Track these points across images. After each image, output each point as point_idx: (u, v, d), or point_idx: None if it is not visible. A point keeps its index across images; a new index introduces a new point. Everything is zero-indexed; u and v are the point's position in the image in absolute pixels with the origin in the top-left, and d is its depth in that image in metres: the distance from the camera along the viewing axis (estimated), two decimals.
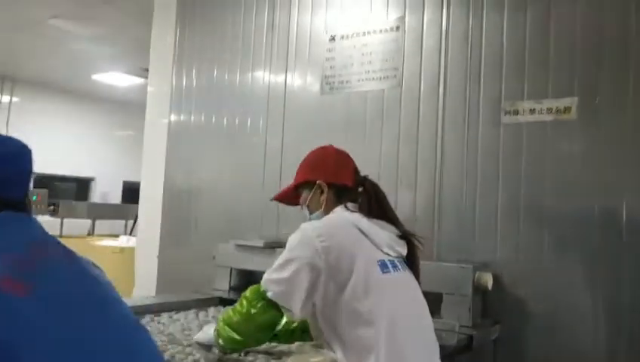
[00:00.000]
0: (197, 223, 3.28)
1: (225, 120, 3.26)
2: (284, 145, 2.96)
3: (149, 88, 3.82)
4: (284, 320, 1.70)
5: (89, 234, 8.50)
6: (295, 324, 1.77)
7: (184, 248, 3.30)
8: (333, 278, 1.45)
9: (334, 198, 1.69)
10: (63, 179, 9.87)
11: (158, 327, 2.12)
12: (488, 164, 2.40)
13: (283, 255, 1.53)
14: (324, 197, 1.69)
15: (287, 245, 1.54)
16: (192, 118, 3.41)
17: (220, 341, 1.62)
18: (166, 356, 1.71)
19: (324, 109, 2.84)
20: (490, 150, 2.39)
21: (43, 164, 9.59)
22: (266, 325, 1.57)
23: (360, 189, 1.69)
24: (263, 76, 3.13)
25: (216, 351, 1.66)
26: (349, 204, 1.66)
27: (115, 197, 9.79)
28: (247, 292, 1.59)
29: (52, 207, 8.34)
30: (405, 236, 1.66)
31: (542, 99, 2.28)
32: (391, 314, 1.44)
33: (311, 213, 1.73)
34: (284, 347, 1.77)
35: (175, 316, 2.33)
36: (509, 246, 2.32)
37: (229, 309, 1.63)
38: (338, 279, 1.44)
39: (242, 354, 1.72)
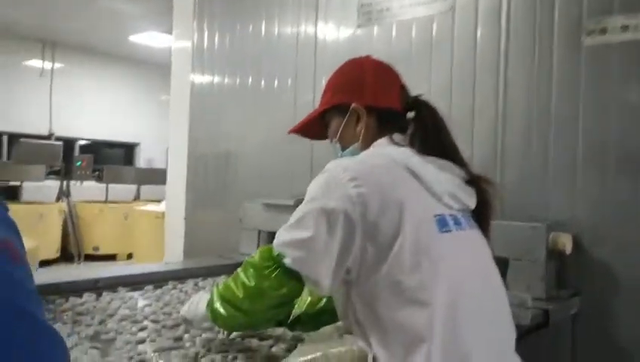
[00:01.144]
0: (224, 185, 3.02)
1: (250, 78, 3.01)
2: (316, 100, 2.59)
3: (173, 47, 3.56)
4: (306, 294, 1.34)
5: (135, 200, 8.47)
6: (322, 303, 1.39)
7: (211, 211, 3.07)
8: (370, 239, 1.03)
9: (375, 128, 1.26)
10: (109, 145, 9.85)
11: (179, 296, 1.89)
12: (565, 100, 1.93)
13: (302, 206, 1.11)
14: (361, 125, 1.26)
15: (308, 192, 1.11)
16: (216, 77, 3.20)
17: (219, 322, 1.26)
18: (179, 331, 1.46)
19: (360, 47, 2.42)
20: (567, 82, 1.92)
21: (88, 130, 9.69)
22: (282, 301, 1.19)
23: (411, 115, 1.25)
24: (290, 27, 2.80)
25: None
26: (396, 136, 1.22)
27: (160, 163, 9.70)
28: (256, 257, 1.19)
29: (97, 173, 8.32)
30: (475, 181, 1.21)
31: (638, 12, 1.79)
32: (451, 290, 1.02)
33: (343, 149, 1.30)
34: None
35: (201, 283, 2.14)
36: (592, 201, 1.86)
37: (228, 281, 1.25)
38: (378, 241, 1.03)
39: (244, 338, 1.39)
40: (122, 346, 1.34)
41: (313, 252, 1.06)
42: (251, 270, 1.19)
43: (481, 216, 1.20)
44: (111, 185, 8.19)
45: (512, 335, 1.11)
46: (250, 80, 3.01)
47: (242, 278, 1.20)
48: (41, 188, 7.41)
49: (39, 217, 6.89)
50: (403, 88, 1.30)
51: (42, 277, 1.96)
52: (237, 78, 3.08)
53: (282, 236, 1.14)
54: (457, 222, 1.11)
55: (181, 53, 3.46)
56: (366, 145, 1.24)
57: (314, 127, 1.37)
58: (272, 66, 2.90)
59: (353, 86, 1.28)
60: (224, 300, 1.23)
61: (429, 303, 1.00)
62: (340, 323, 1.20)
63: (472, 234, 1.15)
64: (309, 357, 1.05)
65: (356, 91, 1.26)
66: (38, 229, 6.68)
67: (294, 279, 1.13)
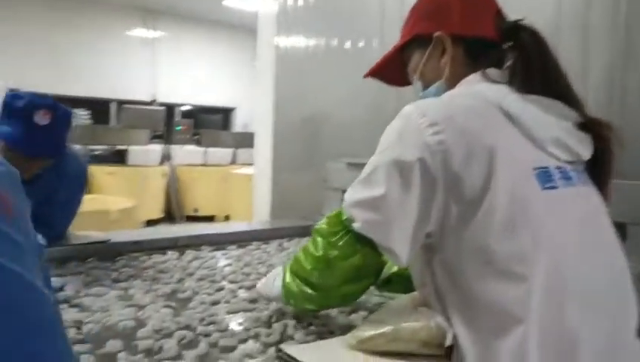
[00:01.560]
0: (309, 146, 2.95)
1: (335, 40, 2.90)
2: None
3: (260, 10, 3.51)
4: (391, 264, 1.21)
5: (231, 163, 8.70)
6: (395, 268, 1.26)
7: (297, 173, 3.02)
8: (454, 195, 0.86)
9: (463, 61, 1.04)
10: (208, 110, 10.14)
11: (260, 257, 1.85)
12: None
13: (372, 158, 0.95)
14: (446, 58, 1.05)
15: (380, 142, 0.95)
16: (301, 38, 3.13)
17: (291, 301, 1.14)
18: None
19: None
20: None
21: (188, 95, 10.01)
22: (357, 274, 1.05)
23: (508, 45, 1.03)
24: None
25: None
26: (491, 71, 1.01)
27: None
28: (324, 223, 1.07)
29: (196, 137, 8.62)
30: (591, 125, 0.97)
31: None
32: (555, 262, 0.83)
33: (425, 87, 1.10)
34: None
35: (285, 244, 2.12)
36: None
37: (299, 252, 1.13)
38: (463, 197, 0.85)
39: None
40: (196, 306, 1.30)
41: (386, 213, 0.91)
42: (319, 238, 1.07)
43: (597, 170, 0.98)
44: (209, 149, 8.46)
45: (632, 318, 0.90)
46: (335, 41, 2.91)
47: (310, 248, 1.08)
48: (145, 151, 7.80)
49: (144, 179, 7.26)
50: (499, 14, 1.08)
51: (127, 235, 1.99)
52: (322, 39, 2.99)
53: (350, 195, 0.99)
54: (566, 177, 0.90)
55: (267, 15, 3.40)
56: (452, 82, 1.04)
57: (394, 69, 1.18)
58: (358, 27, 2.76)
59: (437, 11, 1.08)
60: (293, 273, 1.12)
61: (526, 277, 0.82)
62: (416, 293, 1.06)
63: (585, 193, 0.94)
64: (377, 331, 0.93)
65: (440, 18, 1.06)
66: (143, 191, 7.06)
67: (367, 246, 0.99)
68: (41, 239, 1.65)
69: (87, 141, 7.34)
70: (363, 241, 0.99)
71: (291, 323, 1.19)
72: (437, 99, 0.98)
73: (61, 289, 1.39)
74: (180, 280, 1.53)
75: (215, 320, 1.20)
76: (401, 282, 1.25)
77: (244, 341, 1.10)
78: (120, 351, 1.02)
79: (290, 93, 3.19)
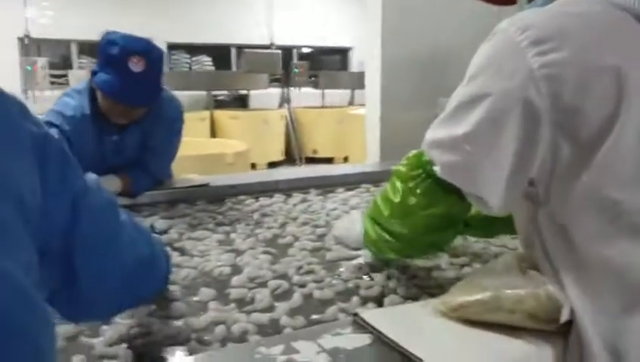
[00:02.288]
0: (419, 83, 2.75)
1: None
2: None
3: None
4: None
5: (349, 104, 8.59)
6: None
7: (407, 111, 2.84)
8: (566, 132, 0.68)
9: None
10: (325, 51, 10.03)
11: (368, 200, 1.73)
12: None
13: (459, 89, 0.79)
14: None
15: (469, 67, 0.78)
16: None
17: (369, 245, 1.04)
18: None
19: None
20: None
21: (304, 37, 9.91)
22: (440, 223, 0.92)
23: None
24: None
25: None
26: None
27: None
28: (403, 164, 0.93)
29: (313, 79, 8.58)
30: None
31: None
32: None
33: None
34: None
35: None
36: None
37: (377, 196, 1.01)
38: (579, 134, 0.67)
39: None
40: (296, 253, 1.23)
41: (472, 154, 0.75)
42: (397, 182, 0.94)
43: None
44: (327, 91, 8.40)
45: None
46: None
47: (389, 193, 0.96)
48: (265, 95, 7.94)
49: (264, 123, 7.42)
50: None
51: (228, 179, 1.96)
52: None
53: (431, 133, 0.83)
54: None
55: None
56: None
57: None
58: None
59: None
60: (372, 219, 1.00)
61: None
62: (523, 252, 0.87)
63: None
64: (473, 297, 0.76)
65: None
66: (263, 134, 7.23)
67: (452, 193, 0.85)
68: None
69: (210, 86, 7.61)
70: (446, 187, 0.85)
71: (395, 273, 1.08)
72: (542, 10, 0.75)
73: (165, 231, 1.39)
74: (283, 225, 1.47)
75: (313, 269, 1.12)
76: (480, 227, 1.08)
77: (342, 294, 1.01)
78: (212, 300, 0.97)
79: (398, 26, 2.98)
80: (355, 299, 0.96)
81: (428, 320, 0.80)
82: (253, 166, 6.42)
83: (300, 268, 1.13)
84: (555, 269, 0.75)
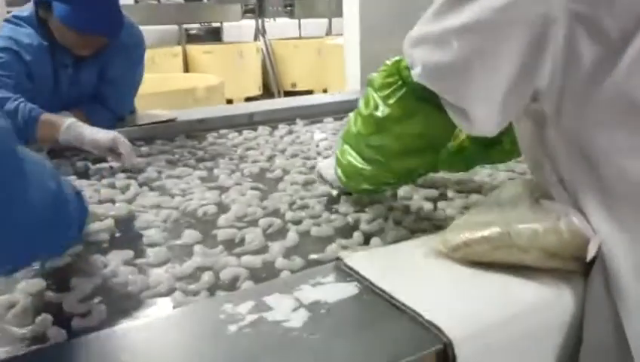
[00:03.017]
0: (401, 8, 2.58)
1: None
2: None
3: None
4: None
5: (327, 34, 8.29)
6: None
7: (389, 38, 2.67)
8: (589, 27, 0.55)
9: None
10: None
11: None
12: None
13: None
14: None
15: None
16: None
17: (342, 175, 0.92)
18: None
19: None
20: None
21: None
22: (417, 143, 0.80)
23: None
24: None
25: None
26: None
27: None
28: (378, 74, 0.81)
29: (289, 8, 8.21)
30: None
31: None
32: None
33: None
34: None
35: None
36: None
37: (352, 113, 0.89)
38: (605, 27, 0.55)
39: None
40: (286, 188, 1.12)
41: (464, 52, 0.62)
42: (371, 92, 0.81)
43: None
44: (303, 21, 8.07)
45: None
46: None
47: (361, 105, 0.84)
48: (239, 27, 7.59)
49: (239, 56, 7.14)
50: None
51: (196, 113, 1.81)
52: None
53: (417, 29, 0.69)
54: None
55: None
56: None
57: None
58: None
59: None
60: (343, 141, 0.89)
61: None
62: (530, 178, 0.75)
63: None
64: (481, 233, 0.63)
65: None
66: (239, 68, 6.97)
67: (430, 104, 0.72)
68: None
69: (180, 19, 7.24)
70: (425, 97, 0.72)
71: (399, 205, 0.98)
72: None
73: (141, 170, 1.26)
74: (270, 158, 1.35)
75: (307, 203, 1.02)
76: (480, 150, 0.92)
77: (342, 229, 0.91)
78: (197, 243, 0.87)
79: None
80: (356, 234, 0.86)
81: (425, 263, 0.67)
82: (230, 101, 6.21)
83: (292, 203, 1.03)
84: (573, 196, 0.63)
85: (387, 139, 0.81)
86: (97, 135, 1.31)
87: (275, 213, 0.99)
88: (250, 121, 1.70)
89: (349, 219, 0.94)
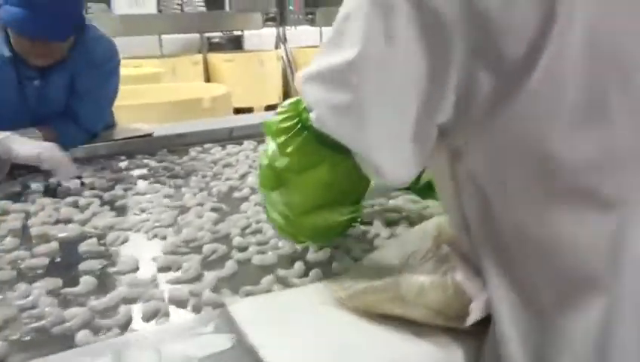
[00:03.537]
0: None
1: None
2: None
3: None
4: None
5: None
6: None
7: None
8: (486, 56, 0.48)
9: None
10: None
11: None
12: None
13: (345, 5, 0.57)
14: None
15: None
16: None
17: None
18: None
19: None
20: None
21: None
22: (330, 195, 0.72)
23: None
24: None
25: None
26: None
27: None
28: (276, 117, 0.72)
29: (310, 17, 8.21)
30: None
31: None
32: None
33: None
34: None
35: None
36: None
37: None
38: (503, 58, 0.47)
39: None
40: (248, 209, 1.08)
41: (359, 90, 0.54)
42: (268, 138, 0.72)
43: None
44: (324, 29, 8.05)
45: None
46: None
47: (260, 156, 0.76)
48: (259, 35, 7.62)
49: (260, 64, 7.16)
50: None
51: (177, 128, 1.78)
52: None
53: (312, 64, 0.61)
54: None
55: None
56: None
57: None
58: None
59: None
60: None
61: (623, 201, 0.45)
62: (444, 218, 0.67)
63: None
64: (374, 283, 0.57)
65: None
66: (259, 76, 6.99)
67: (336, 150, 0.63)
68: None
69: (202, 28, 7.31)
70: (329, 142, 0.62)
71: (357, 231, 0.93)
72: None
73: (112, 188, 1.24)
74: (243, 176, 1.31)
75: (262, 228, 0.97)
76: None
77: (286, 258, 0.86)
78: (132, 271, 0.83)
79: None
80: (297, 265, 0.81)
81: (314, 313, 0.60)
82: (250, 110, 6.23)
83: (246, 227, 0.98)
84: (474, 245, 0.56)
85: (290, 193, 0.73)
86: (21, 149, 1.26)
87: (224, 238, 0.94)
88: (230, 136, 1.66)
89: (298, 246, 0.89)
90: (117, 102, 1.73)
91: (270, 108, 7.29)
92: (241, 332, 0.58)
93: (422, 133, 0.54)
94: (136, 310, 0.72)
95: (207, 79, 6.92)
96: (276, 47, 7.78)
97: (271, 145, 0.72)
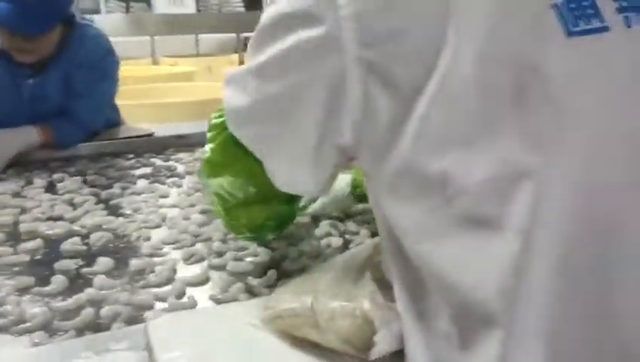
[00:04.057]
0: None
1: None
2: None
3: None
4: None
5: None
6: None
7: None
8: (381, 76, 0.45)
9: None
10: None
11: None
12: None
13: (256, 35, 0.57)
14: None
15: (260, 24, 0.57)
16: None
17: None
18: None
19: None
20: None
21: None
22: (246, 192, 0.76)
23: None
24: None
25: None
26: None
27: None
28: (214, 112, 0.76)
29: None
30: None
31: None
32: (585, 192, 0.40)
33: None
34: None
35: None
36: None
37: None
38: (397, 77, 0.44)
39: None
40: None
41: (260, 101, 0.56)
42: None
43: None
44: None
45: None
46: None
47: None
48: None
49: None
50: None
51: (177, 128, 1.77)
52: None
53: (232, 89, 0.62)
54: (624, 12, 0.43)
55: None
56: None
57: None
58: None
59: None
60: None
61: (521, 230, 0.41)
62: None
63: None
64: (292, 304, 0.54)
65: None
66: None
67: (250, 154, 0.65)
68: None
69: (240, 28, 7.37)
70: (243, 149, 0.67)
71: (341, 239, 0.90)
72: None
73: (110, 186, 1.25)
74: None
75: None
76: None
77: (262, 265, 0.83)
78: (104, 273, 0.82)
79: None
80: (270, 273, 0.79)
81: (232, 334, 0.57)
82: None
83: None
84: (388, 270, 0.54)
85: (220, 185, 0.75)
86: None
87: (206, 241, 0.93)
88: None
89: (277, 253, 0.87)
90: (145, 100, 1.74)
91: None
92: (151, 350, 0.56)
93: (322, 152, 0.52)
94: (97, 314, 0.71)
95: None
96: None
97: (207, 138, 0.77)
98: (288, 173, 0.59)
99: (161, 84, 3.93)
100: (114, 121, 1.79)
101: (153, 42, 5.31)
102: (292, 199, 0.82)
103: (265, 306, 0.59)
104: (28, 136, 1.46)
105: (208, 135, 0.76)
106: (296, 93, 0.51)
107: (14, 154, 1.41)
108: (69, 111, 1.55)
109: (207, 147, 0.76)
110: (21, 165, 1.42)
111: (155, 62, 5.94)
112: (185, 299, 0.73)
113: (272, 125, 0.56)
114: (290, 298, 0.56)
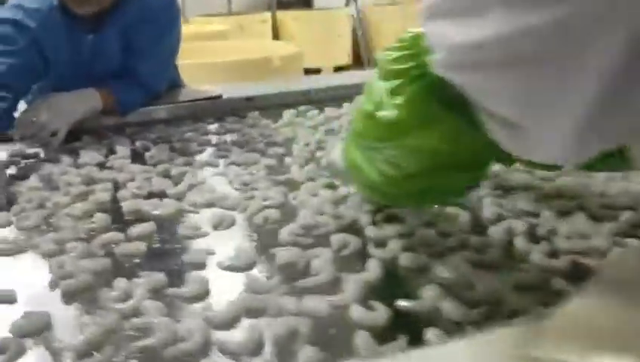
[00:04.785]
0: None
1: None
2: None
3: None
4: None
5: None
6: None
7: None
8: None
9: None
10: None
11: None
12: None
13: None
14: None
15: None
16: None
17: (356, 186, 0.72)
18: None
19: None
20: None
21: None
22: (436, 161, 0.55)
23: None
24: None
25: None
26: None
27: None
28: (390, 52, 0.55)
29: None
30: None
31: None
32: None
33: None
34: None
35: None
36: None
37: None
38: None
39: None
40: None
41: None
42: (376, 77, 0.57)
43: None
44: None
45: None
46: None
47: (364, 96, 0.59)
48: None
49: (329, 23, 6.91)
50: None
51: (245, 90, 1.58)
52: None
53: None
54: None
55: None
56: None
57: None
58: None
59: None
60: (351, 141, 0.65)
61: None
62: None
63: None
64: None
65: None
66: (329, 35, 6.75)
67: (459, 112, 0.49)
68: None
69: None
70: (450, 99, 0.48)
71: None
72: None
73: (200, 152, 1.09)
74: (308, 144, 1.12)
75: (397, 213, 0.78)
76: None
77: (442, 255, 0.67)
78: (247, 269, 0.66)
79: None
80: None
81: None
82: (318, 71, 6.00)
83: (377, 211, 0.79)
84: None
85: (395, 150, 0.56)
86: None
87: (352, 225, 0.76)
88: (307, 100, 1.49)
89: (450, 239, 0.70)
90: (180, 61, 1.58)
91: (339, 69, 7.05)
92: None
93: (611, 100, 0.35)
94: (268, 328, 0.55)
95: (276, 37, 6.73)
96: (346, 5, 7.48)
97: (378, 87, 0.56)
98: (546, 132, 0.41)
99: (198, 42, 3.77)
100: (175, 81, 1.62)
101: (184, 1, 5.14)
102: (483, 166, 0.62)
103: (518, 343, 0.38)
104: (91, 100, 1.31)
105: (384, 85, 0.55)
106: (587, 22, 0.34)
107: (77, 119, 1.26)
108: (129, 71, 1.39)
109: (390, 102, 0.54)
110: (86, 132, 1.27)
111: (185, 22, 5.77)
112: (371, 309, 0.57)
113: (537, 57, 0.37)
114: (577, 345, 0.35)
